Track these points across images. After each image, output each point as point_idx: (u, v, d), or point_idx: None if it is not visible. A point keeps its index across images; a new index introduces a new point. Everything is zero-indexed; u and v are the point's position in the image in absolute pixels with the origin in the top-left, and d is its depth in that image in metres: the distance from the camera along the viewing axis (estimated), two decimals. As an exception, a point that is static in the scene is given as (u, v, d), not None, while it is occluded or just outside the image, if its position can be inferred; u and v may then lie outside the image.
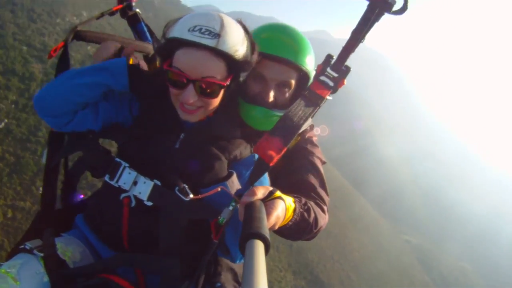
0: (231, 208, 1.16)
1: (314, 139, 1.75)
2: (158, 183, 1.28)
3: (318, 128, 1.82)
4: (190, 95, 1.24)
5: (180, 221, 1.26)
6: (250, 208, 1.00)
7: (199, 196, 1.25)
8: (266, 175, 1.39)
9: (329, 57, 1.39)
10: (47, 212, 1.55)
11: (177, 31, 1.22)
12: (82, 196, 1.71)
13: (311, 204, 1.38)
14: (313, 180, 1.55)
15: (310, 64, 1.55)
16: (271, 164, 1.17)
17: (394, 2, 1.22)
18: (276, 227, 1.11)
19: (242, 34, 1.28)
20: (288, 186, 1.48)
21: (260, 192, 1.07)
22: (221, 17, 1.24)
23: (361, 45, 1.28)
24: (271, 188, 1.12)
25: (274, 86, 1.52)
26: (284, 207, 1.12)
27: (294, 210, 1.22)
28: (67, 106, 1.36)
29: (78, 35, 1.53)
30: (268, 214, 1.02)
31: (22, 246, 1.26)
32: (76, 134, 1.43)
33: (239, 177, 1.36)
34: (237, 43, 1.24)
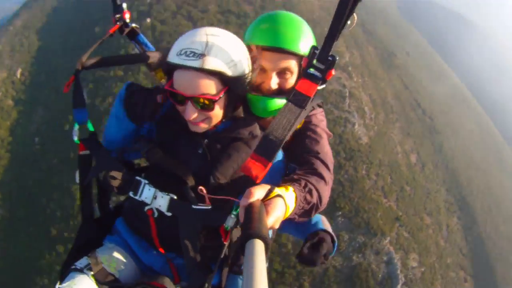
0: (233, 216, 1.29)
1: (321, 112, 1.83)
2: (174, 197, 1.45)
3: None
4: (190, 111, 1.35)
5: (195, 227, 1.43)
6: (249, 209, 1.03)
7: (208, 202, 1.40)
8: (280, 155, 1.59)
9: (314, 48, 1.38)
10: (88, 225, 1.72)
11: (170, 56, 1.35)
12: None
13: (313, 182, 1.44)
14: (317, 147, 1.62)
15: (305, 47, 1.60)
16: (257, 182, 1.22)
17: None
18: (276, 226, 1.13)
19: (233, 50, 1.34)
20: (297, 158, 1.61)
21: (258, 192, 1.11)
22: (207, 35, 1.32)
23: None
24: (269, 187, 1.16)
25: (276, 74, 1.60)
26: (284, 205, 1.16)
27: (296, 199, 1.27)
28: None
29: (85, 66, 1.63)
30: (267, 214, 1.06)
31: (74, 267, 1.45)
32: (101, 154, 1.58)
33: None
34: (226, 60, 1.31)
